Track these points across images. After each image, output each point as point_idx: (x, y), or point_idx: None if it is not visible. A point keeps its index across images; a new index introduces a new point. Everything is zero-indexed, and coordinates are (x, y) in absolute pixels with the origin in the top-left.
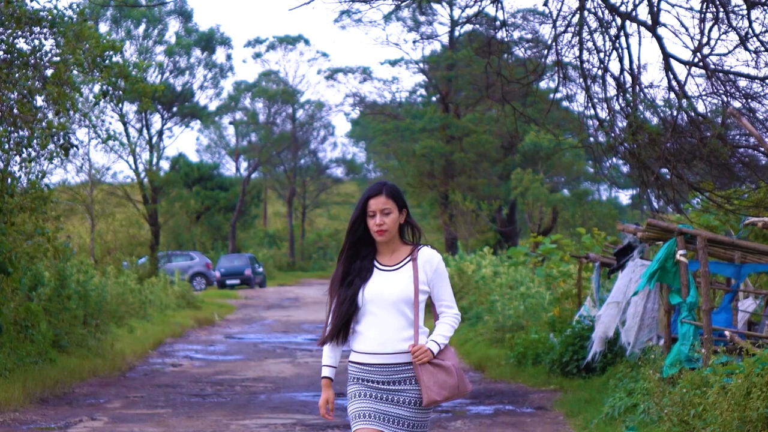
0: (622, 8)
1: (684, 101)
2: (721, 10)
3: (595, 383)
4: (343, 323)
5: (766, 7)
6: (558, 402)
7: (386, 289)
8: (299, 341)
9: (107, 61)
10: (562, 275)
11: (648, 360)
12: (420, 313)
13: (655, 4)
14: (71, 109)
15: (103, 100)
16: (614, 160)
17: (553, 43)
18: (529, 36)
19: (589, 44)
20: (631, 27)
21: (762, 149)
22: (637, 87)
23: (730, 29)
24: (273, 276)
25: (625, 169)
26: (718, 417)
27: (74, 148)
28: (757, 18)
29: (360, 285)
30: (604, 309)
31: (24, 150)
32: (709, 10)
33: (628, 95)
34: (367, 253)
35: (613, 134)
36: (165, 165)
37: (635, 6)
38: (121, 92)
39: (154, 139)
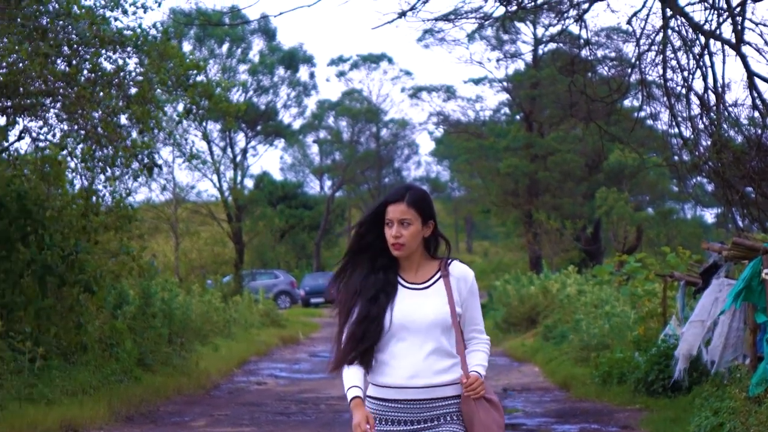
0: (706, 27)
1: None
2: None
3: (681, 402)
4: (365, 345)
5: None
6: (644, 421)
7: (419, 312)
8: None
9: (191, 80)
10: (647, 294)
11: (734, 379)
12: (461, 338)
13: (739, 23)
14: (155, 128)
15: (186, 118)
16: (699, 178)
17: (637, 62)
18: (613, 54)
19: (673, 63)
20: (714, 45)
21: None
22: (721, 105)
23: None
24: None
25: (709, 187)
26: None
27: (158, 168)
28: None
29: (385, 303)
30: (687, 327)
31: (108, 169)
32: None
33: (712, 114)
34: (385, 265)
35: (697, 153)
36: (249, 183)
37: (719, 24)
38: (204, 111)
39: (238, 158)
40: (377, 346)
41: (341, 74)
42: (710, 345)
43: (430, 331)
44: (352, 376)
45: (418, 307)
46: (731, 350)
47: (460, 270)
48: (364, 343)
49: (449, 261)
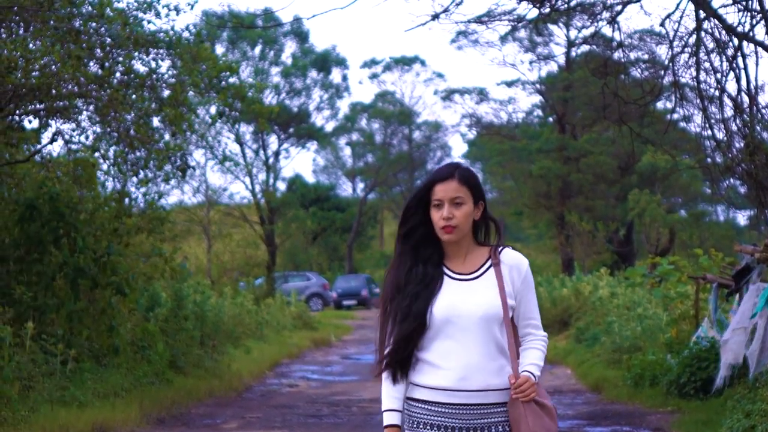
0: (739, 29)
1: None
2: None
3: (713, 405)
4: (407, 348)
5: None
6: (676, 423)
7: (467, 305)
8: None
9: (223, 83)
10: (679, 296)
11: (766, 381)
12: (511, 332)
13: None
14: (188, 130)
15: (219, 121)
16: (731, 180)
17: (670, 64)
18: (646, 56)
19: (706, 65)
20: (748, 47)
21: None
22: (755, 107)
23: None
24: None
25: (742, 189)
26: None
27: (191, 169)
28: None
29: (428, 298)
30: (730, 335)
31: (141, 171)
32: None
33: (745, 116)
34: (430, 255)
35: (730, 155)
36: (281, 186)
37: (752, 26)
38: (237, 113)
39: (271, 160)
40: (420, 344)
41: (374, 76)
42: (748, 349)
43: (481, 326)
44: (390, 395)
45: (466, 299)
46: (767, 353)
47: (512, 258)
48: (407, 348)
49: (500, 248)
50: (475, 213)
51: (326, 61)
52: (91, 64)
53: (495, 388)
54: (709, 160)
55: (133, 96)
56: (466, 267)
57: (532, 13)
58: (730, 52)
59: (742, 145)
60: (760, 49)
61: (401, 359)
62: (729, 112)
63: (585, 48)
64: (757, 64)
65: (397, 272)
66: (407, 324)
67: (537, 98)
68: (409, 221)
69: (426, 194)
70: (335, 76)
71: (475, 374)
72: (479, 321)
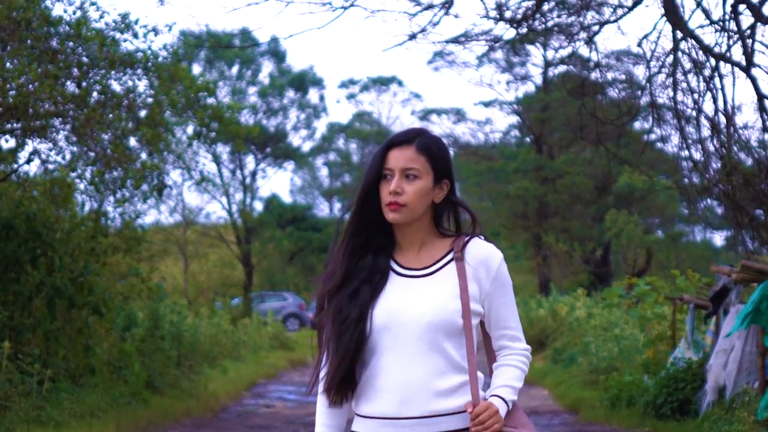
0: (716, 49)
1: None
2: None
3: (690, 426)
4: (344, 364)
5: None
6: None
7: (410, 309)
8: None
9: (201, 102)
10: (656, 317)
11: (743, 402)
12: (474, 347)
13: (749, 45)
14: (165, 150)
15: (196, 141)
16: (709, 201)
17: (647, 84)
18: (623, 77)
19: (683, 85)
20: (725, 68)
21: None
22: (732, 128)
23: None
24: None
25: (719, 210)
26: None
27: (168, 189)
28: None
29: (369, 299)
30: (713, 358)
31: (118, 191)
32: None
33: (722, 136)
34: (383, 244)
35: (707, 175)
36: (258, 206)
37: (729, 47)
38: (214, 133)
39: (248, 180)
40: (360, 358)
41: (351, 96)
42: (725, 370)
43: (428, 336)
44: (323, 425)
45: (410, 302)
46: (745, 374)
47: (481, 251)
48: (344, 363)
49: (467, 238)
50: (435, 193)
51: (303, 81)
52: (68, 83)
53: (444, 413)
54: (686, 180)
55: (110, 116)
56: (418, 261)
57: (510, 33)
58: (707, 72)
59: (719, 165)
60: (737, 69)
61: (338, 378)
62: (706, 132)
63: (562, 68)
64: (734, 85)
65: (342, 264)
66: (344, 332)
67: (514, 119)
68: (366, 202)
69: (381, 165)
70: (312, 96)
71: (418, 396)
72: (425, 329)
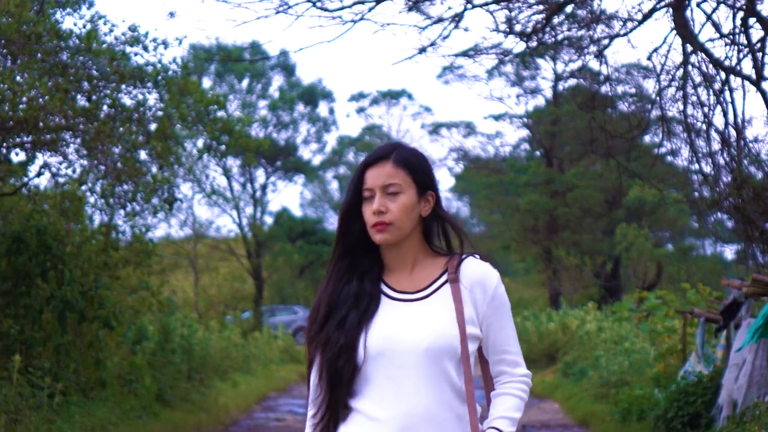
0: (726, 62)
1: None
2: None
3: None
4: (336, 396)
5: None
6: None
7: (407, 334)
8: None
9: (211, 116)
10: (666, 331)
11: (753, 416)
12: (471, 375)
13: (760, 59)
14: (175, 164)
15: (206, 154)
16: (719, 215)
17: (657, 98)
18: (633, 90)
19: (693, 98)
20: (735, 81)
21: None
22: (742, 141)
23: None
24: None
25: (729, 224)
26: None
27: (178, 202)
28: None
29: (360, 325)
30: (726, 373)
31: (128, 204)
32: None
33: (732, 149)
34: (369, 268)
35: (717, 189)
36: (268, 219)
37: (739, 60)
38: (224, 147)
39: (258, 194)
40: (352, 390)
41: (361, 110)
42: (736, 384)
43: (427, 362)
44: None
45: (406, 327)
46: (755, 389)
47: (477, 271)
48: (335, 395)
49: (462, 258)
50: (421, 207)
51: (313, 95)
52: (79, 97)
53: None
54: (696, 194)
55: (121, 129)
56: (412, 283)
57: (519, 47)
58: (717, 86)
59: (729, 179)
60: (747, 82)
61: (328, 412)
62: (716, 146)
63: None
64: (744, 98)
65: (326, 292)
66: (335, 363)
67: (524, 132)
68: (347, 225)
69: (359, 186)
70: (322, 109)
71: (418, 427)
72: (424, 355)
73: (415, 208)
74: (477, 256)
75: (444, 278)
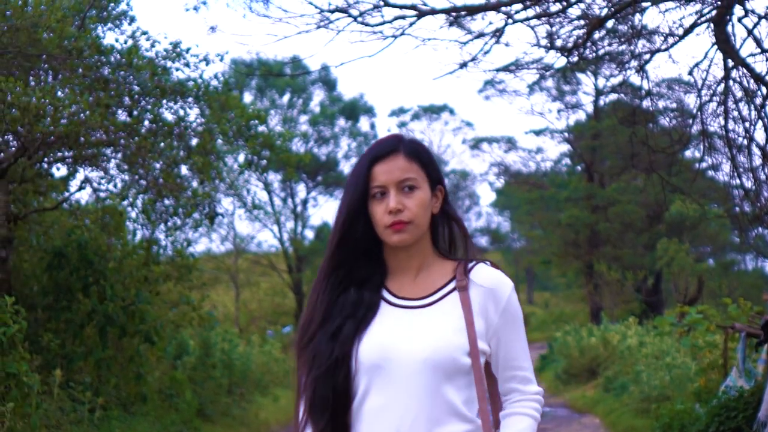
0: None
1: None
2: None
3: None
4: (328, 414)
5: None
6: None
7: (405, 344)
8: None
9: (252, 131)
10: (707, 345)
11: None
12: (483, 388)
13: None
14: (216, 179)
15: (247, 169)
16: (760, 229)
17: (698, 113)
18: (674, 105)
19: (735, 113)
20: None
21: None
22: None
23: None
24: None
25: None
26: None
27: (219, 217)
28: None
29: (354, 334)
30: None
31: (169, 219)
32: None
33: None
34: (369, 274)
35: (758, 204)
36: (309, 234)
37: None
38: (265, 161)
39: (299, 208)
40: (345, 409)
41: (402, 125)
42: None
43: (427, 376)
44: None
45: (406, 336)
46: None
47: (489, 278)
48: (325, 412)
49: (471, 264)
50: (433, 203)
51: (354, 110)
52: (120, 112)
53: None
54: (737, 209)
55: (162, 144)
56: (416, 289)
57: (560, 62)
58: (758, 100)
59: None
60: None
61: (320, 429)
62: (757, 160)
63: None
64: None
65: (319, 301)
66: (324, 377)
67: (565, 147)
68: (351, 230)
69: (365, 183)
70: (363, 124)
71: None
72: (423, 368)
73: (430, 205)
74: (488, 262)
75: (452, 285)
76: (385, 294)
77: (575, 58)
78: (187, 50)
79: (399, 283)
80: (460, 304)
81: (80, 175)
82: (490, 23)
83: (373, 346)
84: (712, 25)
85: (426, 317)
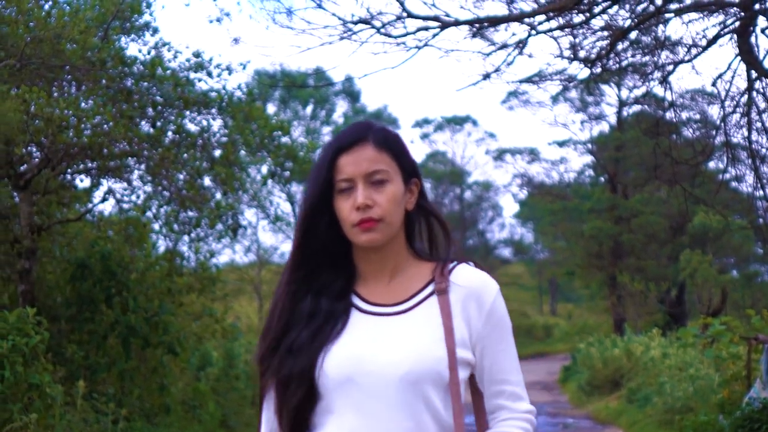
0: None
1: None
2: None
3: None
4: None
5: None
6: None
7: (380, 356)
8: None
9: (275, 142)
10: (731, 357)
11: None
12: (462, 407)
13: None
14: (239, 190)
15: (270, 180)
16: None
17: (722, 124)
18: (697, 116)
19: (758, 124)
20: None
21: None
22: None
23: None
24: None
25: None
26: None
27: (242, 229)
28: None
29: (319, 346)
30: None
31: (192, 230)
32: None
33: None
34: (336, 278)
35: None
36: None
37: None
38: (288, 173)
39: None
40: (312, 421)
41: (425, 136)
42: None
43: (404, 391)
44: None
45: (380, 345)
46: None
47: (471, 280)
48: (287, 428)
49: (452, 265)
50: (407, 199)
51: (378, 121)
52: (143, 123)
53: None
54: (761, 220)
55: (185, 155)
56: (390, 294)
57: (584, 73)
58: None
59: None
60: None
61: None
62: None
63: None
64: None
65: (279, 310)
66: (288, 394)
67: (588, 158)
68: (314, 231)
69: (329, 177)
70: None
71: None
72: (401, 382)
73: (403, 200)
74: (471, 263)
75: (430, 288)
76: (356, 300)
77: (598, 69)
78: (210, 61)
79: (371, 287)
80: (438, 310)
81: (104, 186)
82: (513, 34)
83: (344, 359)
84: (735, 36)
85: (402, 325)
